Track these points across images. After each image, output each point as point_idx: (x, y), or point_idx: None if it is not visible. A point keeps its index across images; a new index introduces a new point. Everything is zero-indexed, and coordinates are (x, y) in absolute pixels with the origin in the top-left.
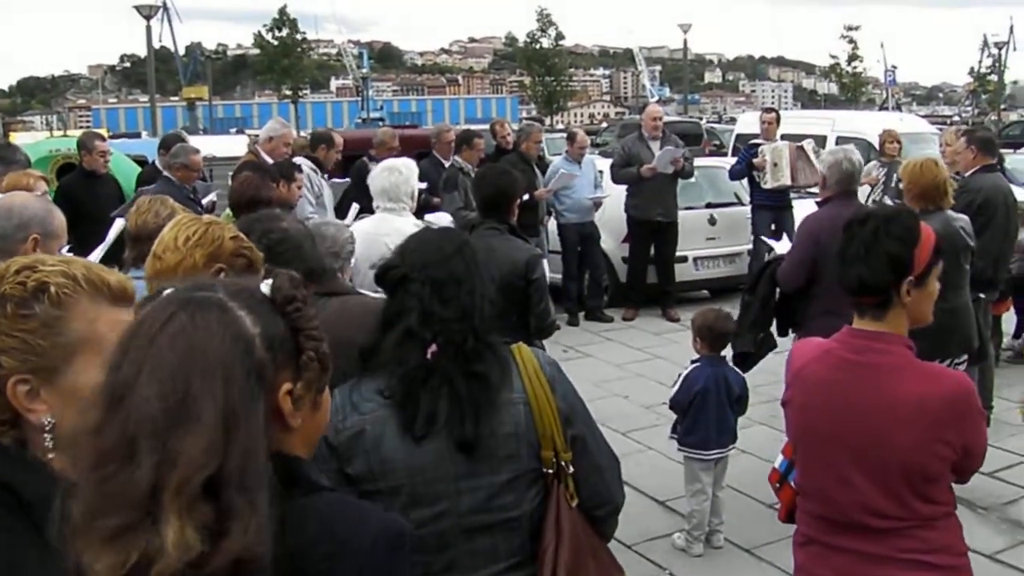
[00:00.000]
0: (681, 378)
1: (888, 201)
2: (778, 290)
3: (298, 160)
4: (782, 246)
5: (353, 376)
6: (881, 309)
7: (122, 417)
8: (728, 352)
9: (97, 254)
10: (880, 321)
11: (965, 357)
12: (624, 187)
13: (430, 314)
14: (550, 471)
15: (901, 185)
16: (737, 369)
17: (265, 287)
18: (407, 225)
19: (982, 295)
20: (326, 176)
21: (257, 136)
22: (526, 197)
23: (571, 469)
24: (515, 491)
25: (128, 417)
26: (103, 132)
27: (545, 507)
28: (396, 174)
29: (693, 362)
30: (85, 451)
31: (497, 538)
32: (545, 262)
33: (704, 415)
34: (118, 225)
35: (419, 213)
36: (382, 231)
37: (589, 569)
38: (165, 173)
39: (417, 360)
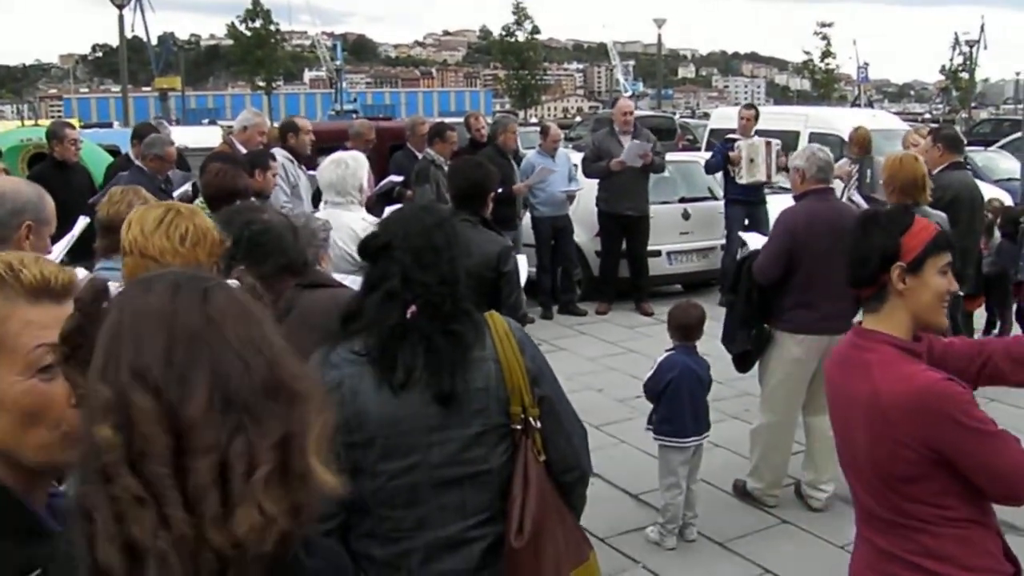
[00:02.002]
0: (656, 363)
1: (858, 197)
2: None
3: (274, 151)
4: (754, 241)
5: None
6: (877, 302)
7: (208, 385)
8: (700, 346)
9: (61, 248)
10: (876, 314)
11: None
12: (596, 181)
13: (411, 278)
14: (518, 427)
15: (880, 180)
16: (705, 359)
17: (234, 285)
18: (354, 220)
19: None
20: (303, 166)
21: (231, 127)
22: (501, 190)
23: (538, 425)
24: (484, 445)
25: (216, 383)
26: (74, 122)
27: (513, 462)
28: (343, 167)
29: (668, 350)
30: (153, 420)
31: (466, 493)
32: (524, 257)
33: (679, 402)
34: (81, 223)
35: (391, 204)
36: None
37: (555, 528)
38: (137, 163)
39: (397, 319)
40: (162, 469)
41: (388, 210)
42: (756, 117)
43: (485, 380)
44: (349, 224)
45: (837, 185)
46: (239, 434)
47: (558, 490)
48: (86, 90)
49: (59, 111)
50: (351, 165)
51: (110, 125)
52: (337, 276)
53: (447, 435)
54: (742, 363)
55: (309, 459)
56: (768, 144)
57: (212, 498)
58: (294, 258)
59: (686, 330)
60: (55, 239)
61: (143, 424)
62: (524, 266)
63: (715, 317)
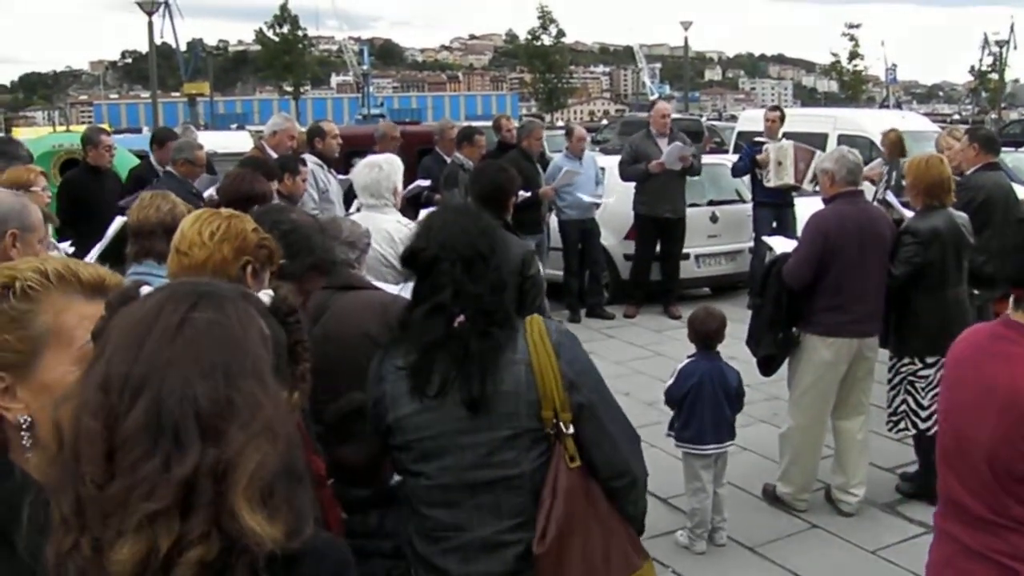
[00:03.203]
0: (676, 371)
1: (891, 197)
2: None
3: (304, 156)
4: (780, 245)
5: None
6: None
7: (150, 402)
8: (722, 349)
9: (96, 251)
10: None
11: None
12: (630, 184)
13: (461, 290)
14: (551, 432)
15: (904, 182)
16: (733, 365)
17: (266, 296)
18: (389, 222)
19: (975, 291)
20: (332, 171)
21: (262, 132)
22: (528, 194)
23: (570, 430)
24: (515, 449)
25: (159, 403)
26: (106, 127)
27: (547, 468)
28: (377, 170)
29: (689, 356)
30: (96, 439)
31: (500, 496)
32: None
33: (699, 409)
34: (117, 222)
35: (422, 208)
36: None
37: (590, 536)
38: (168, 168)
39: (440, 333)
40: (92, 489)
41: (423, 213)
42: (782, 119)
43: (514, 383)
44: (383, 227)
45: (868, 187)
46: (153, 459)
47: (609, 497)
48: (116, 96)
49: (89, 117)
50: (385, 168)
51: (140, 131)
52: (380, 285)
53: (477, 438)
54: (766, 367)
55: (237, 496)
56: (812, 153)
57: (114, 522)
58: (322, 257)
59: (706, 337)
60: (90, 243)
61: (87, 445)
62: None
63: (743, 320)
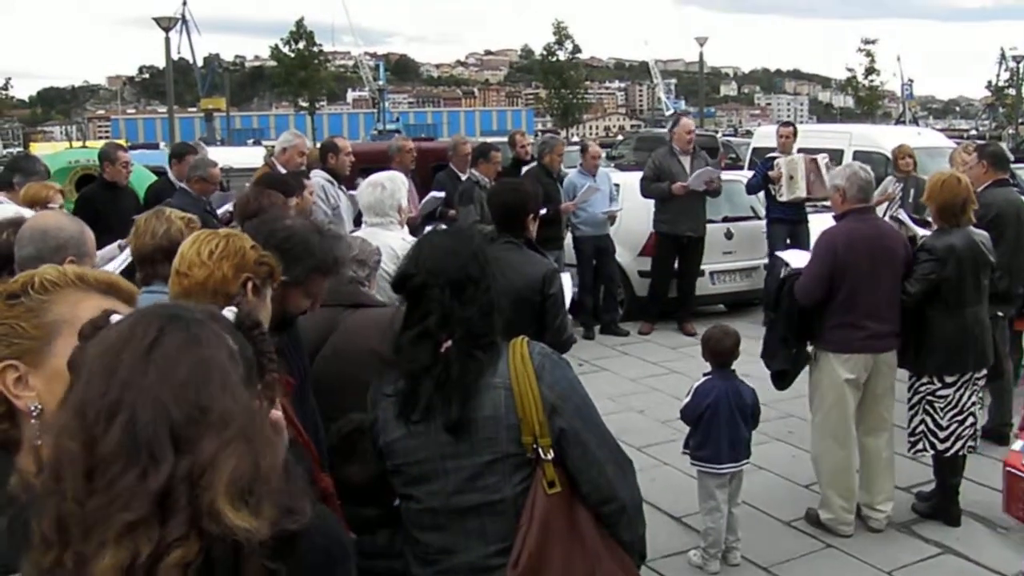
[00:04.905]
0: (692, 390)
1: (904, 215)
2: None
3: (313, 173)
4: (794, 259)
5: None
6: None
7: (125, 422)
8: (737, 367)
9: (113, 267)
10: None
11: (985, 372)
12: (646, 200)
13: (450, 315)
14: (532, 457)
15: (923, 199)
16: (747, 383)
17: (229, 313)
18: (394, 239)
19: (1000, 313)
20: (343, 187)
21: (273, 148)
22: (544, 211)
23: (549, 455)
24: (497, 473)
25: (133, 424)
26: (122, 142)
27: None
28: (380, 189)
29: (705, 374)
30: (75, 459)
31: (485, 520)
32: (568, 276)
33: (715, 428)
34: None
35: (435, 225)
36: None
37: (571, 563)
38: (182, 185)
39: (428, 357)
40: (74, 506)
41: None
42: (795, 134)
43: (494, 408)
44: (388, 244)
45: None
46: (129, 474)
47: (602, 523)
48: (133, 111)
49: (107, 132)
50: (388, 187)
51: (156, 146)
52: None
53: (459, 463)
54: (780, 381)
55: (218, 498)
56: (814, 160)
57: (96, 534)
58: (322, 258)
59: (721, 356)
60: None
61: (68, 465)
62: (569, 285)
63: (757, 337)
